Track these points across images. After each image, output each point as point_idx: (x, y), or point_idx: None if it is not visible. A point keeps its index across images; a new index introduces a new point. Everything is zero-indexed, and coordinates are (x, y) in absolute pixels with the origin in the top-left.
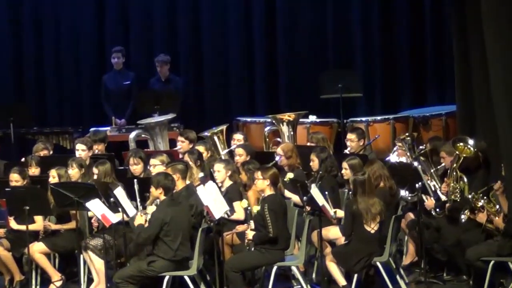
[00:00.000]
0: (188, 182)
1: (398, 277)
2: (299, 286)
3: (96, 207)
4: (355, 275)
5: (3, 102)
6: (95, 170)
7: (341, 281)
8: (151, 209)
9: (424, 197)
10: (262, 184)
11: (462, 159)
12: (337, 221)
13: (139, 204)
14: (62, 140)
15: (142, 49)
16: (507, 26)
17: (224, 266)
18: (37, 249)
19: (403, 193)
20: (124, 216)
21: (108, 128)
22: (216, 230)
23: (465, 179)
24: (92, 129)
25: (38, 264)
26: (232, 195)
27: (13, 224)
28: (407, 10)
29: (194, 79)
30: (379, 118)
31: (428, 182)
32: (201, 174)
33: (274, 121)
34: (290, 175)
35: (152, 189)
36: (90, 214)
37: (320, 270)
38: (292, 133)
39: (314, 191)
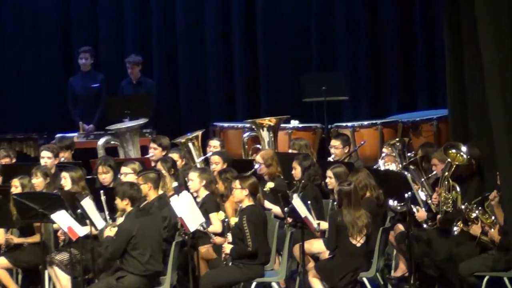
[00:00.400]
0: (161, 192)
1: None
2: None
3: (62, 219)
4: None
5: None
6: (64, 175)
7: None
8: (120, 221)
9: (414, 208)
10: (240, 194)
11: (455, 167)
12: (321, 234)
13: (107, 216)
14: (25, 147)
15: (112, 49)
16: (503, 23)
17: (199, 282)
18: None
19: (392, 202)
20: (92, 229)
21: (75, 134)
22: (191, 244)
23: (458, 189)
24: (58, 135)
25: None
26: (208, 206)
27: None
28: (395, 6)
29: (167, 81)
30: (365, 123)
31: (419, 191)
32: (175, 184)
33: (253, 127)
34: (270, 185)
35: (118, 201)
36: (55, 226)
37: (303, 286)
38: (272, 139)
39: (296, 201)
